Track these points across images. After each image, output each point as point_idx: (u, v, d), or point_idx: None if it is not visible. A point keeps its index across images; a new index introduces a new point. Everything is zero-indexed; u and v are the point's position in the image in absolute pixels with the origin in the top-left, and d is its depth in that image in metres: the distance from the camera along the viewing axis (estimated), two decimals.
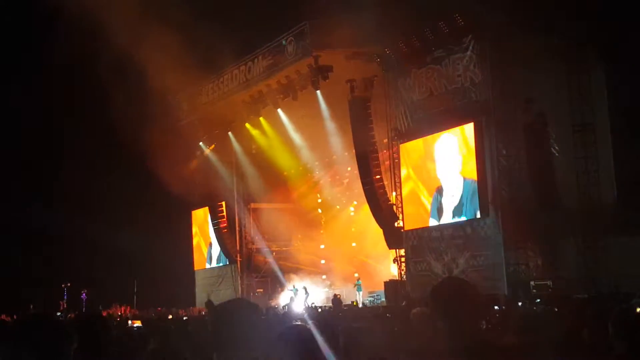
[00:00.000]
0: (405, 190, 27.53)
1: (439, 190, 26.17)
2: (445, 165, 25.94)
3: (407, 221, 27.32)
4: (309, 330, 3.94)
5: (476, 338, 3.73)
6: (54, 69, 29.51)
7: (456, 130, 25.34)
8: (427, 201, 26.51)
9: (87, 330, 4.77)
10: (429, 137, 26.34)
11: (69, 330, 3.75)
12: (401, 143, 27.52)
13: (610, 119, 23.36)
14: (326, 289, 33.62)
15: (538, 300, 20.86)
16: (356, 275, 32.81)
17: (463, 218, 25.21)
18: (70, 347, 3.69)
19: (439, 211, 26.02)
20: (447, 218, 25.73)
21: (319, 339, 3.89)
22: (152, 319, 22.45)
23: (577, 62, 23.23)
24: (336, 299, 28.17)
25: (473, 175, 24.66)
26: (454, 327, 3.71)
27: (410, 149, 27.32)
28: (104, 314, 30.25)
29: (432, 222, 26.26)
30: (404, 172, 27.45)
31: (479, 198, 24.27)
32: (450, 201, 25.68)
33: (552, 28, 22.84)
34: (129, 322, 19.11)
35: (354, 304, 29.73)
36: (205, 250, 39.79)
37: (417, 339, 5.92)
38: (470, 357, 3.63)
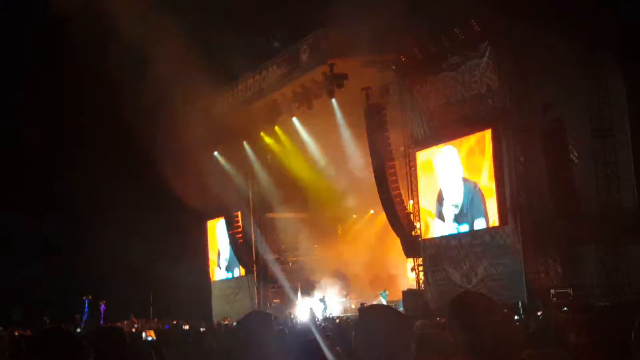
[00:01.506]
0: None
1: (439, 199, 26.18)
2: (446, 173, 25.95)
3: (425, 230, 27.16)
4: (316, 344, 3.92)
5: (495, 352, 3.62)
6: (66, 75, 29.48)
7: (474, 136, 25.17)
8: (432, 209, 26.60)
9: (103, 344, 4.68)
10: (448, 143, 26.20)
11: (84, 344, 3.69)
12: (417, 151, 27.35)
13: (629, 123, 23.05)
14: (343, 299, 33.40)
15: (565, 308, 20.63)
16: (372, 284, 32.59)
17: (465, 226, 25.17)
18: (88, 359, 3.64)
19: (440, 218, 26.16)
20: (449, 226, 25.66)
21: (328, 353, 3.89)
22: (166, 331, 22.36)
23: (595, 67, 22.92)
24: (362, 308, 27.85)
25: (481, 180, 24.67)
26: (471, 342, 3.61)
27: (428, 156, 27.19)
28: (120, 326, 30.26)
29: (438, 231, 26.27)
30: (421, 180, 27.27)
31: (498, 206, 24.06)
32: (450, 210, 25.63)
33: (570, 33, 22.61)
34: (144, 334, 18.99)
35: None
36: (218, 261, 39.77)
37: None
38: None
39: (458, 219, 25.66)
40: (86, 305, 34.15)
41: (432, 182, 26.80)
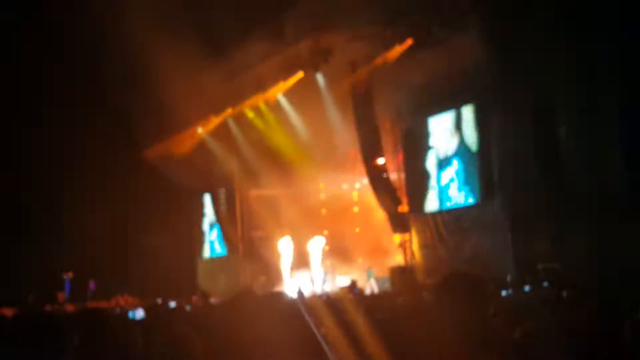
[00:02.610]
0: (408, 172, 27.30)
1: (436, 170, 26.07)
2: (441, 146, 25.76)
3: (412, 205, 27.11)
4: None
5: (483, 327, 3.77)
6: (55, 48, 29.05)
7: (458, 110, 25.09)
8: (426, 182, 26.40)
9: (88, 325, 4.50)
10: (430, 118, 26.08)
11: (68, 327, 3.52)
12: (404, 125, 27.26)
13: (618, 100, 22.95)
14: (329, 275, 33.36)
15: (545, 284, 20.64)
16: (359, 260, 32.56)
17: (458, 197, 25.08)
18: (71, 344, 3.49)
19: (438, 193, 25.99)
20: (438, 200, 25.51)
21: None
22: (153, 308, 22.19)
23: (584, 42, 22.78)
24: (352, 284, 27.89)
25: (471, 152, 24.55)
26: (460, 318, 3.74)
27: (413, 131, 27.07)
28: (105, 305, 30.11)
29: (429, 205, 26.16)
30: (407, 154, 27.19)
31: (485, 181, 24.04)
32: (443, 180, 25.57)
33: (558, 7, 22.46)
34: (130, 312, 18.82)
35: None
36: (203, 238, 39.64)
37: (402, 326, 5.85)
38: (478, 347, 3.65)
39: (449, 191, 25.59)
40: (67, 283, 33.93)
41: (421, 155, 26.58)
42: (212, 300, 26.09)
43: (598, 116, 22.76)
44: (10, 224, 33.10)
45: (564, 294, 15.13)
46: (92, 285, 34.21)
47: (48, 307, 26.12)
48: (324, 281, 32.86)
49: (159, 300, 29.50)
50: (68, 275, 33.88)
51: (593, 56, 22.74)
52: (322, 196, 36.99)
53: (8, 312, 19.40)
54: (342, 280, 32.21)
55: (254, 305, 4.41)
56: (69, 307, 27.08)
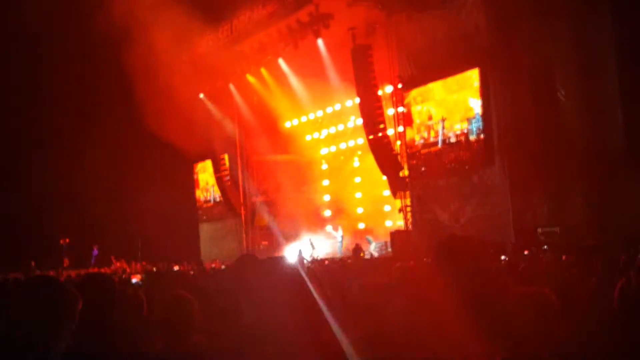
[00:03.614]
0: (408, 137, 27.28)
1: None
2: (450, 108, 25.67)
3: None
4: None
5: (482, 290, 3.76)
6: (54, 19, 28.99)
7: (462, 75, 25.00)
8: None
9: (91, 290, 4.64)
10: (435, 83, 25.98)
11: (72, 291, 3.63)
12: (405, 91, 27.20)
13: (617, 62, 22.90)
14: (331, 241, 33.54)
15: (545, 247, 20.76)
16: (360, 226, 32.70)
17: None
18: (75, 308, 3.59)
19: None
20: None
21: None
22: (154, 273, 22.38)
23: (582, 5, 22.71)
24: (357, 248, 28.05)
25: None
26: (459, 282, 3.74)
27: (415, 97, 26.98)
28: (107, 270, 30.34)
29: None
30: (417, 120, 27.09)
31: (485, 146, 24.05)
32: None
33: None
34: (133, 279, 19.02)
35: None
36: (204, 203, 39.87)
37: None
38: (476, 310, 3.65)
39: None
40: (64, 249, 34.18)
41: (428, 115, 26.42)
42: (212, 265, 26.33)
43: (597, 76, 22.73)
44: (9, 189, 33.23)
45: (563, 257, 15.31)
46: (95, 251, 34.45)
47: (51, 273, 26.38)
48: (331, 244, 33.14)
49: (160, 266, 29.80)
50: (65, 242, 34.15)
51: (591, 17, 22.67)
52: (324, 162, 37.05)
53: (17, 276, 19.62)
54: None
55: (255, 270, 4.50)
56: (72, 273, 27.33)
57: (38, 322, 3.43)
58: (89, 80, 32.99)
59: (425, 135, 26.53)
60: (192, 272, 19.53)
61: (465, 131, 24.91)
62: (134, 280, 15.76)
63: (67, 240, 34.35)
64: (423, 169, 26.63)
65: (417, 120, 26.83)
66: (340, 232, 32.36)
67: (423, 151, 26.64)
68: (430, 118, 26.29)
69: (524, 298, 4.11)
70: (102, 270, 27.98)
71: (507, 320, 3.78)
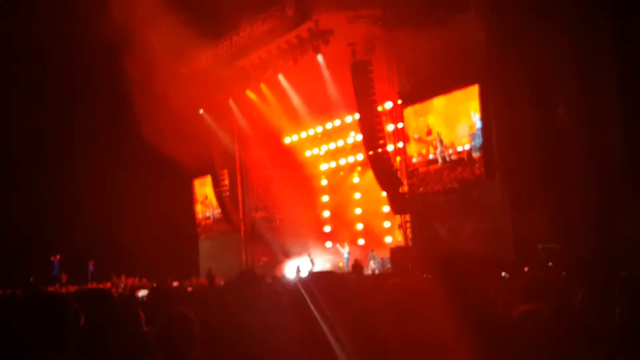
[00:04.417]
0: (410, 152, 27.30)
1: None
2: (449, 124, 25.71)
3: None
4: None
5: (480, 308, 3.77)
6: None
7: (462, 91, 25.05)
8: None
9: (91, 306, 4.63)
10: (434, 99, 26.02)
11: (73, 307, 3.62)
12: (404, 107, 27.25)
13: (617, 77, 22.93)
14: (331, 257, 33.51)
15: (550, 264, 20.70)
16: (360, 241, 32.65)
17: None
18: (76, 324, 3.58)
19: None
20: None
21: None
22: (157, 289, 22.30)
23: (582, 20, 22.76)
24: (357, 265, 27.94)
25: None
26: (459, 298, 3.75)
27: (415, 112, 27.02)
28: (107, 285, 30.27)
29: None
30: (415, 135, 27.13)
31: (485, 161, 24.07)
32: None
33: None
34: (140, 293, 18.98)
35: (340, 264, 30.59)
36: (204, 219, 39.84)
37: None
38: (475, 326, 3.66)
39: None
40: (55, 266, 34.10)
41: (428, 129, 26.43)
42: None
43: (597, 92, 22.76)
44: (6, 203, 33.23)
45: (564, 274, 15.28)
46: (91, 266, 34.38)
47: (50, 288, 26.35)
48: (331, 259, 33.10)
49: (161, 281, 29.71)
50: (56, 258, 34.10)
51: (591, 33, 22.71)
52: (323, 178, 37.07)
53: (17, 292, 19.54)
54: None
55: (255, 287, 4.47)
56: (70, 288, 27.29)
57: (39, 338, 3.42)
58: (87, 95, 33.05)
59: (424, 152, 26.57)
60: (189, 289, 19.45)
61: (468, 148, 24.91)
62: (139, 294, 15.73)
63: (58, 256, 34.29)
64: (421, 189, 26.65)
65: (414, 135, 26.88)
66: (347, 249, 32.28)
67: (421, 169, 26.67)
68: (429, 134, 26.33)
69: (524, 315, 4.10)
70: (101, 286, 27.94)
71: (506, 336, 3.77)
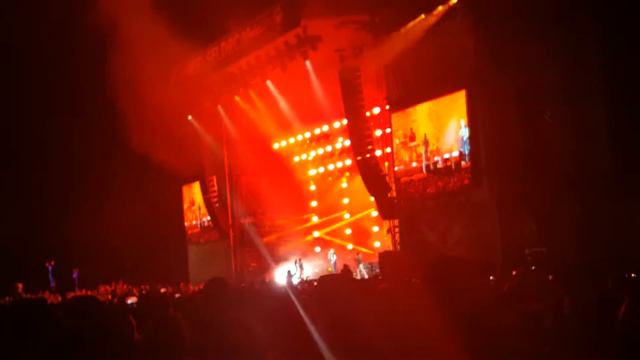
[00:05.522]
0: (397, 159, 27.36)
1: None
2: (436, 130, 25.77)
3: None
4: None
5: (470, 312, 3.82)
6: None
7: (449, 97, 25.15)
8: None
9: (80, 313, 4.64)
10: (422, 105, 26.10)
11: (61, 315, 3.64)
12: (392, 112, 27.33)
13: (603, 84, 23.06)
14: (320, 262, 33.54)
15: (533, 267, 20.81)
16: (349, 246, 32.68)
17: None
18: (65, 331, 3.59)
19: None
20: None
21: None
22: (147, 295, 22.26)
23: (571, 28, 22.88)
24: (346, 269, 28.00)
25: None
26: (448, 302, 3.80)
27: (403, 118, 27.09)
28: (95, 293, 30.16)
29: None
30: (396, 141, 27.24)
31: (472, 167, 24.16)
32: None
33: None
34: (129, 300, 18.93)
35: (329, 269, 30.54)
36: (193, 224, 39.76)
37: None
38: (464, 329, 3.71)
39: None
40: (50, 272, 33.98)
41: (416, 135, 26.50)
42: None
43: (583, 99, 22.88)
44: None
45: (551, 278, 15.36)
46: (75, 273, 34.27)
47: (40, 295, 26.24)
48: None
49: (150, 288, 29.64)
50: (50, 264, 33.98)
51: (578, 41, 22.83)
52: (312, 183, 37.13)
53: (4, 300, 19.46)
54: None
55: (227, 293, 4.50)
56: (58, 296, 27.18)
57: (25, 345, 3.42)
58: (75, 101, 32.99)
59: (407, 159, 26.65)
60: (177, 295, 19.43)
61: (456, 154, 24.99)
62: (129, 301, 15.69)
63: (53, 262, 34.18)
64: (410, 194, 26.70)
65: (401, 140, 26.96)
66: (333, 254, 32.32)
67: (403, 179, 26.76)
68: (413, 139, 26.40)
69: (514, 316, 4.14)
70: (89, 293, 27.83)
71: (496, 338, 3.80)
